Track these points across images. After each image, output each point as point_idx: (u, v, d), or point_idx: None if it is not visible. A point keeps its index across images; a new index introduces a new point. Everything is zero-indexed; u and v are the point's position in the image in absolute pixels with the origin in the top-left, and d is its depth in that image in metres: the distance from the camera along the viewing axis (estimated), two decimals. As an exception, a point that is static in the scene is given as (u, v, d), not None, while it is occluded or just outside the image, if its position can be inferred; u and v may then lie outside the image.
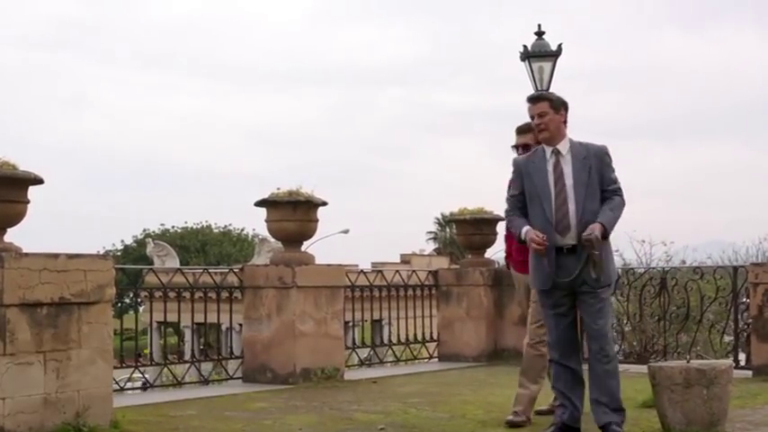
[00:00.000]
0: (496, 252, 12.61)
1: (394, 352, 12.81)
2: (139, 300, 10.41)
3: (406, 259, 44.25)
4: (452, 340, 12.74)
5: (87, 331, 7.20)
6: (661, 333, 11.67)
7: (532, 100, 6.70)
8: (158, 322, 12.49)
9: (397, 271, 13.24)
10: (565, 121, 6.59)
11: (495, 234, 12.76)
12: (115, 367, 8.42)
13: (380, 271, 12.99)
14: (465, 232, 13.05)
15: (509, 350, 12.40)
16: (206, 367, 10.71)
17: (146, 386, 10.28)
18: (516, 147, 7.46)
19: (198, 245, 59.60)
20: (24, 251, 7.32)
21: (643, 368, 10.96)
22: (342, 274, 11.02)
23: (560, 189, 6.41)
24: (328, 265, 10.88)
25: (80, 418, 7.08)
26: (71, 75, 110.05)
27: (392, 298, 12.68)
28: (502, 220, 9.29)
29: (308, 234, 10.68)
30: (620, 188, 6.51)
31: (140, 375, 10.54)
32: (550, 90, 12.96)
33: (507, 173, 6.89)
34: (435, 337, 13.01)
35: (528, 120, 6.91)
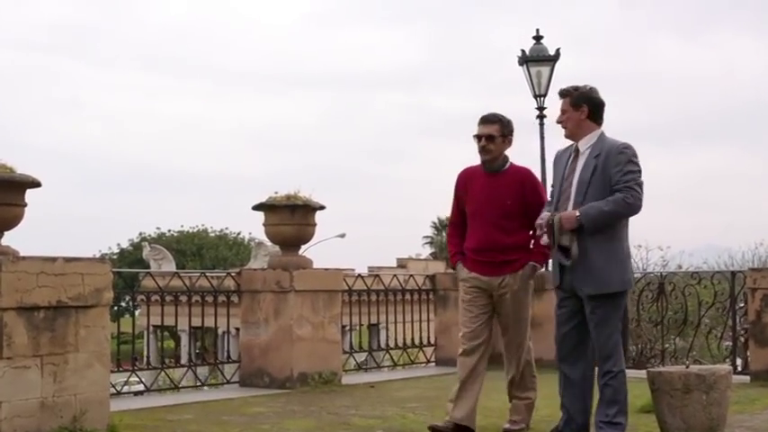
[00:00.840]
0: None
1: (392, 356, 12.78)
2: (135, 303, 10.33)
3: (402, 263, 44.26)
4: (450, 345, 12.68)
5: (85, 335, 7.17)
6: (658, 338, 11.66)
7: (560, 95, 6.54)
8: (155, 326, 12.43)
9: (395, 275, 13.21)
10: (590, 116, 6.35)
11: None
12: (112, 371, 8.39)
13: (378, 275, 12.96)
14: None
15: (506, 355, 12.36)
16: (202, 371, 10.68)
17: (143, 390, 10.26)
18: (479, 137, 6.99)
19: (194, 248, 59.56)
20: (22, 254, 7.29)
21: (641, 373, 10.95)
22: (339, 278, 11.00)
23: (566, 187, 6.34)
24: (326, 269, 10.86)
25: (77, 422, 7.05)
26: (68, 78, 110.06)
27: (389, 302, 12.65)
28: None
29: (306, 238, 10.67)
30: (629, 186, 6.13)
31: (137, 379, 10.51)
32: (548, 93, 13.00)
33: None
34: (433, 341, 12.99)
35: (496, 112, 6.96)
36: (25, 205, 7.68)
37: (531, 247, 7.01)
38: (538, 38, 13.12)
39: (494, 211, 6.94)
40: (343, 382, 10.66)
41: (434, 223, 75.03)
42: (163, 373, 10.77)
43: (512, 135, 7.02)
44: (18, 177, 7.52)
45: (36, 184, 7.66)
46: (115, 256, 56.71)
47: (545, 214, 6.34)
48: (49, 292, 6.97)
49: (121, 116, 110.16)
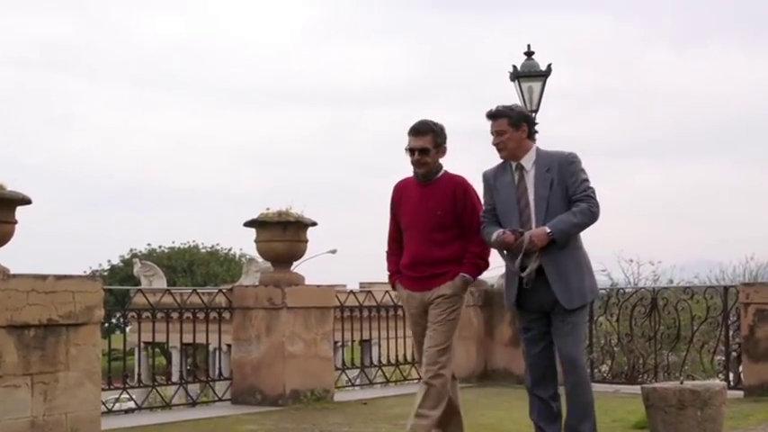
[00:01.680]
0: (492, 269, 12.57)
1: (384, 373, 12.73)
2: (126, 320, 10.27)
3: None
4: (442, 361, 12.65)
5: (75, 353, 7.14)
6: (651, 353, 11.65)
7: (492, 116, 6.24)
8: (145, 343, 12.37)
9: (387, 291, 13.16)
10: (529, 135, 6.23)
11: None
12: (103, 389, 8.34)
13: (369, 291, 12.91)
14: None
15: (499, 371, 12.36)
16: (193, 388, 10.62)
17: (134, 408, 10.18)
18: (412, 150, 6.56)
19: (185, 265, 59.34)
20: (12, 272, 7.24)
21: (634, 388, 10.99)
22: (332, 294, 10.96)
23: (524, 207, 6.13)
24: (318, 285, 10.81)
25: (68, 441, 7.00)
26: (59, 94, 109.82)
27: (381, 318, 12.61)
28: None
29: (298, 254, 10.63)
30: (588, 195, 6.06)
31: (128, 397, 10.44)
32: (539, 109, 13.00)
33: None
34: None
35: (427, 120, 6.57)
36: (15, 222, 7.63)
37: (465, 258, 6.55)
38: (529, 53, 13.13)
39: (425, 223, 6.57)
40: (335, 399, 10.61)
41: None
42: (154, 391, 10.70)
43: (445, 142, 6.63)
44: (8, 194, 7.47)
45: (26, 201, 7.62)
46: (106, 273, 56.49)
47: (500, 231, 6.04)
48: (40, 310, 6.94)
49: (112, 132, 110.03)
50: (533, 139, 6.28)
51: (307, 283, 10.66)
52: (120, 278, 53.03)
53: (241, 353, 10.38)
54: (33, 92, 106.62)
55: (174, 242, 62.61)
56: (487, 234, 6.22)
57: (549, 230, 5.94)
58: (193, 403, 10.30)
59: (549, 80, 12.99)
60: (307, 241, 10.59)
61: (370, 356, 12.32)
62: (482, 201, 6.48)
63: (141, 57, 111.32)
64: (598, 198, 6.11)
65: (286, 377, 10.13)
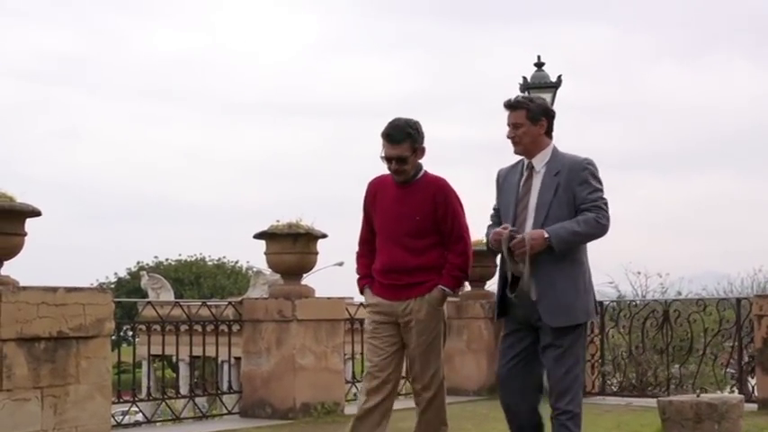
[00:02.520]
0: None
1: (394, 386, 12.64)
2: (134, 333, 10.21)
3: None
4: (453, 374, 12.56)
5: (86, 366, 7.09)
6: (663, 365, 11.58)
7: (510, 106, 5.72)
8: (153, 356, 12.31)
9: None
10: (547, 131, 5.70)
11: (494, 266, 12.64)
12: (112, 402, 8.28)
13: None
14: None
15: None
16: (202, 401, 10.56)
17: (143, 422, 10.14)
18: (388, 159, 6.09)
19: (192, 277, 59.39)
20: (21, 284, 7.21)
21: (646, 401, 10.92)
22: (342, 307, 10.89)
23: (522, 209, 5.60)
24: (328, 298, 10.75)
25: (78, 454, 6.94)
26: (66, 108, 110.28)
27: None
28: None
29: (308, 267, 10.57)
30: (598, 205, 5.51)
31: (136, 410, 10.41)
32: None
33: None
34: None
35: (401, 124, 6.07)
36: (25, 234, 7.60)
37: (444, 269, 6.11)
38: (539, 65, 13.10)
39: (402, 228, 6.09)
40: (346, 412, 10.52)
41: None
42: (162, 404, 10.64)
43: (423, 142, 6.11)
44: (18, 206, 7.45)
45: (36, 213, 7.59)
46: (113, 285, 56.48)
47: (498, 230, 5.55)
48: (50, 322, 6.89)
49: (118, 145, 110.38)
50: (551, 137, 5.75)
51: (316, 295, 10.61)
52: (126, 290, 53.04)
53: (251, 365, 10.32)
54: (39, 105, 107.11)
55: (180, 255, 62.77)
56: (486, 235, 5.79)
57: (546, 235, 5.39)
58: (203, 416, 10.23)
59: (558, 91, 12.95)
60: (317, 253, 10.54)
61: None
62: (462, 206, 6.16)
63: (149, 71, 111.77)
64: (610, 212, 5.59)
65: (296, 390, 10.06)
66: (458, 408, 11.26)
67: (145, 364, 24.66)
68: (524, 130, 5.63)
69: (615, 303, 12.73)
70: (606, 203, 5.57)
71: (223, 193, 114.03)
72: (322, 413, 10.13)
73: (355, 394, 12.03)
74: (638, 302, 12.43)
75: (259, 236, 10.42)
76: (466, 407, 11.37)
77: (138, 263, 60.33)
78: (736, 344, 11.09)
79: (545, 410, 5.63)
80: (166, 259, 62.03)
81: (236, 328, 10.57)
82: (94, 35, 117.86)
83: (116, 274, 61.89)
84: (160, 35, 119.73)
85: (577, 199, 5.50)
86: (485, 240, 5.81)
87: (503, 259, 5.60)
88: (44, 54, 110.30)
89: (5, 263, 7.65)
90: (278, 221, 10.32)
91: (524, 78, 13.00)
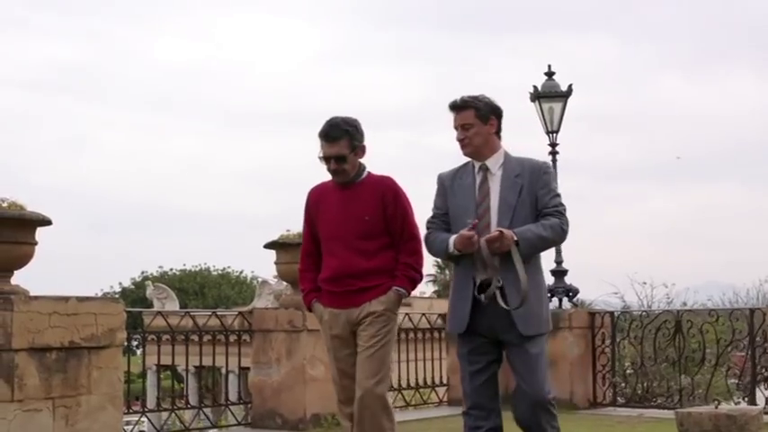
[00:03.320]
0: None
1: (404, 396, 12.57)
2: (141, 343, 10.14)
3: (407, 302, 43.96)
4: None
5: (97, 376, 7.02)
6: (675, 376, 11.48)
7: (456, 107, 5.43)
8: (158, 365, 12.26)
9: (407, 314, 13.05)
10: (497, 132, 5.44)
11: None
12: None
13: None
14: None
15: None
16: (209, 412, 10.47)
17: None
18: (326, 159, 5.78)
19: (196, 287, 59.31)
20: (31, 294, 7.15)
21: (659, 412, 10.84)
22: (352, 317, 10.80)
23: (484, 212, 5.29)
24: (339, 307, 10.66)
25: (89, 466, 6.88)
26: (71, 117, 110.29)
27: (400, 341, 12.46)
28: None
29: (319, 276, 10.48)
30: (560, 211, 5.32)
31: (143, 420, 10.32)
32: (560, 130, 12.87)
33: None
34: (445, 380, 12.79)
35: (338, 122, 5.78)
36: (35, 243, 7.55)
37: (397, 270, 5.76)
38: (550, 74, 13.03)
39: (351, 231, 5.75)
40: (356, 423, 10.45)
41: (437, 261, 74.79)
42: (169, 414, 10.55)
43: (363, 141, 5.84)
44: (28, 215, 7.39)
45: (47, 222, 7.54)
46: (117, 295, 56.47)
47: (465, 232, 5.21)
48: (62, 332, 6.83)
49: (123, 155, 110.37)
50: (500, 138, 5.47)
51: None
52: (131, 300, 52.92)
53: (261, 376, 10.24)
54: (45, 114, 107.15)
55: (185, 265, 62.65)
56: (432, 242, 5.46)
57: (515, 237, 5.13)
58: (212, 427, 10.16)
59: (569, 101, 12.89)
60: (328, 263, 10.45)
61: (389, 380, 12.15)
62: (411, 205, 5.83)
63: (152, 80, 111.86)
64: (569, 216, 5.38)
65: (307, 401, 9.98)
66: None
67: (150, 373, 24.61)
68: (475, 131, 5.36)
69: (626, 314, 12.64)
70: (565, 209, 5.38)
71: (227, 203, 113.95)
72: (332, 424, 10.05)
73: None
74: (648, 313, 12.31)
75: (270, 245, 10.36)
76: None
77: (143, 272, 60.31)
78: (749, 354, 11.01)
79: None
80: (171, 269, 61.98)
81: (240, 337, 10.47)
82: (102, 45, 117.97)
83: (120, 283, 61.83)
84: (163, 45, 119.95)
85: (540, 202, 5.30)
86: (444, 249, 5.35)
87: (468, 263, 5.27)
88: (48, 63, 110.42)
89: (15, 272, 7.59)
90: (288, 231, 10.25)
91: (535, 88, 12.94)
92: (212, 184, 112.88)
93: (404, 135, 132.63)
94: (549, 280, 12.58)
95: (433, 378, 12.75)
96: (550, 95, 12.82)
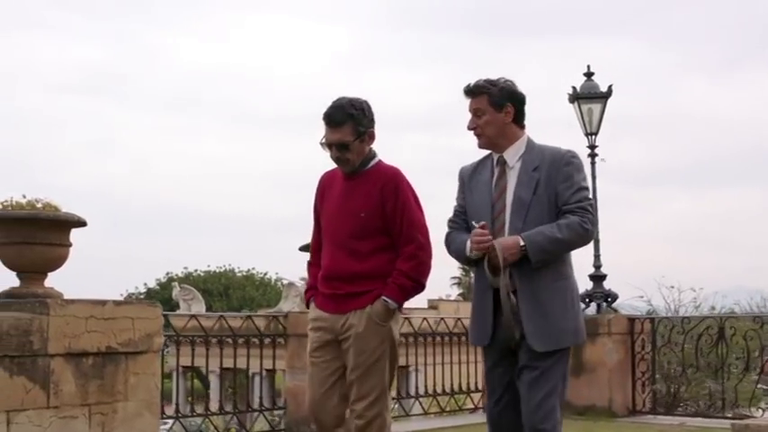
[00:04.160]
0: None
1: (438, 402, 12.34)
2: (178, 346, 9.93)
3: (433, 305, 43.71)
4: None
5: (134, 382, 6.83)
6: (691, 382, 11.30)
7: (469, 92, 4.89)
8: (190, 367, 12.07)
9: (443, 318, 12.86)
10: (516, 120, 4.87)
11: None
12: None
13: (409, 318, 12.54)
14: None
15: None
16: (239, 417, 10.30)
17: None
18: (328, 145, 5.20)
19: (221, 288, 59.34)
20: (65, 297, 6.97)
21: (700, 421, 10.60)
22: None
23: (499, 211, 4.77)
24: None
25: (126, 474, 6.70)
26: (96, 119, 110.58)
27: (427, 344, 12.23)
28: None
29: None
30: (583, 207, 4.70)
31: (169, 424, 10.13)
32: (599, 131, 12.62)
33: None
34: (480, 386, 12.56)
35: (343, 103, 5.20)
36: (70, 245, 7.37)
37: (390, 277, 5.14)
38: (589, 74, 12.76)
39: (344, 228, 5.17)
40: (391, 427, 10.24)
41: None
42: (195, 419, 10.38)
43: (372, 127, 5.21)
44: (63, 216, 7.21)
45: (82, 224, 7.35)
46: (142, 296, 56.62)
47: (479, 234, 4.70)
48: (99, 337, 6.64)
49: (148, 157, 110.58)
50: (523, 127, 4.91)
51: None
52: (156, 301, 53.00)
53: (296, 381, 10.05)
54: (71, 116, 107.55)
55: (209, 266, 62.73)
56: (451, 244, 4.96)
57: (522, 243, 4.60)
58: (244, 432, 9.98)
59: (609, 101, 12.63)
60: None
61: (416, 384, 11.91)
62: (419, 202, 5.29)
63: (180, 82, 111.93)
64: (592, 215, 4.76)
65: (342, 407, 9.77)
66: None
67: (174, 375, 24.48)
68: (487, 119, 4.81)
69: (666, 319, 12.41)
70: (591, 205, 4.77)
71: (252, 205, 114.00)
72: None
73: (405, 411, 11.77)
74: (690, 319, 12.05)
75: (304, 248, 10.16)
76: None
77: (168, 273, 60.38)
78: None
79: None
80: (195, 270, 62.05)
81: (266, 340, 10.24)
82: (126, 47, 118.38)
83: (146, 284, 61.95)
84: (189, 47, 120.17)
85: (560, 198, 4.70)
86: (462, 252, 4.84)
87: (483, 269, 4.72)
88: (75, 66, 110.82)
89: (49, 274, 7.42)
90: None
91: (574, 88, 12.69)
92: (237, 186, 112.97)
93: (429, 138, 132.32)
94: (588, 284, 12.33)
95: (468, 383, 12.52)
96: (590, 96, 12.57)
